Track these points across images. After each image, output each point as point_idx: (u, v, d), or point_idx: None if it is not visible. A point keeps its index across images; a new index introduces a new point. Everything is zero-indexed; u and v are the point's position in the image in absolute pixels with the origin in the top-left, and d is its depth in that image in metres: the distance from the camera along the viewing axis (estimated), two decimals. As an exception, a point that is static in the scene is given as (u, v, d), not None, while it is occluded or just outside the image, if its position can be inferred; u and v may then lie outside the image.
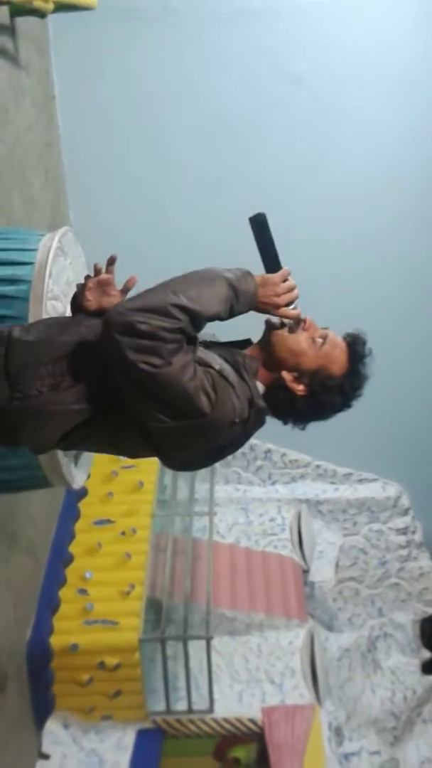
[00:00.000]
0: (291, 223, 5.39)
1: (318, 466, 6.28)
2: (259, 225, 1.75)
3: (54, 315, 2.76)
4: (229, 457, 6.15)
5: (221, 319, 1.62)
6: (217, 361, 1.65)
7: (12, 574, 4.18)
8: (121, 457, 5.36)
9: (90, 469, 3.25)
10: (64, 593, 4.73)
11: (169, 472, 5.61)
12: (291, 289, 1.71)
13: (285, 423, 1.83)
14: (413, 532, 6.26)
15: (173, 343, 1.51)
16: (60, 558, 4.90)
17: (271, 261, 1.74)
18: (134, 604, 4.62)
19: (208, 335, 1.78)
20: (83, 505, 5.27)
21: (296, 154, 5.51)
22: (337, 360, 1.76)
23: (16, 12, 4.28)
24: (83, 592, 4.73)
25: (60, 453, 2.62)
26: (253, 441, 6.26)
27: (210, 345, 1.75)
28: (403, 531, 6.25)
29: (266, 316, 1.78)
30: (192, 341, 1.60)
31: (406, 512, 6.30)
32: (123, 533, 5.04)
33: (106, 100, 5.39)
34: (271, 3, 5.06)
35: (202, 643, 4.53)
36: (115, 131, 5.49)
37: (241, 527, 5.85)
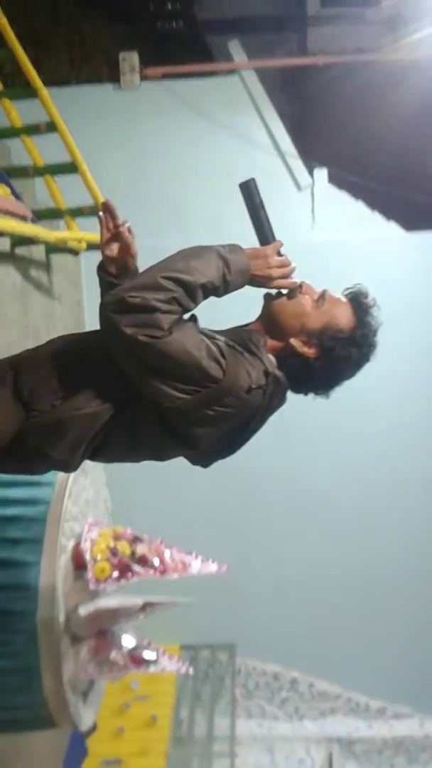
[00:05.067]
0: (307, 435, 5.48)
1: (349, 699, 5.81)
2: (250, 191, 1.70)
3: (71, 537, 2.71)
4: (252, 687, 5.84)
5: (216, 289, 1.59)
6: (222, 338, 1.63)
7: None
8: (134, 686, 5.09)
9: (99, 706, 2.99)
10: None
11: (184, 702, 5.20)
12: (284, 264, 1.68)
13: (307, 394, 1.76)
14: (458, 777, 5.63)
15: (170, 314, 1.50)
16: (64, 808, 4.37)
17: (263, 232, 1.69)
18: None
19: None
20: (91, 742, 4.82)
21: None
22: (342, 314, 1.70)
23: (52, 250, 4.73)
24: None
25: (68, 691, 2.42)
26: (277, 668, 5.90)
27: (213, 333, 1.69)
28: (446, 775, 5.62)
29: (264, 292, 1.74)
30: (192, 316, 1.61)
31: (448, 753, 5.72)
32: (134, 778, 4.55)
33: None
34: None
35: None
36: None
37: (265, 771, 5.30)
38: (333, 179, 5.88)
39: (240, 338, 1.65)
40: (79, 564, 2.66)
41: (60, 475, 2.75)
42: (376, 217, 5.87)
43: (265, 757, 5.50)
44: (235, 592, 5.10)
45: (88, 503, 2.91)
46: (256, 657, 5.78)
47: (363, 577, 5.63)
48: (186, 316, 1.61)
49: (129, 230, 1.74)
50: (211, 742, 5.02)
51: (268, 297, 1.74)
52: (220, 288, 1.60)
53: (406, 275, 5.66)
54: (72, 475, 2.73)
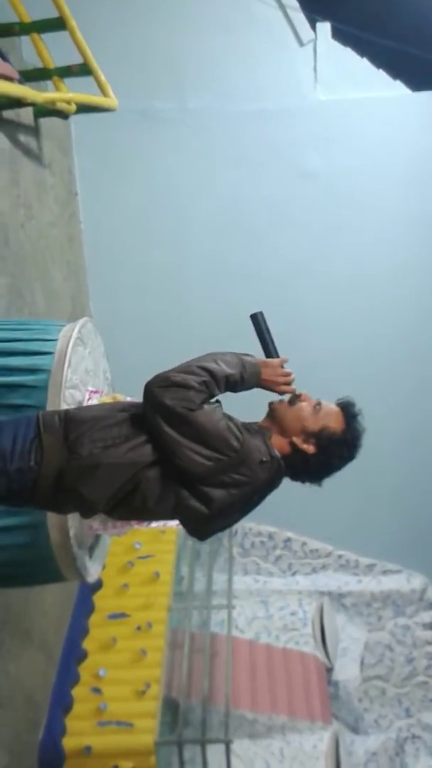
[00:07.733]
0: (303, 308, 5.48)
1: (340, 556, 6.11)
2: (258, 321, 2.16)
3: (72, 404, 2.76)
4: (248, 546, 6.15)
5: (235, 383, 2.00)
6: (239, 421, 2.01)
7: (24, 673, 4.02)
8: (137, 546, 5.35)
9: (105, 561, 3.16)
10: (77, 692, 4.53)
11: (185, 560, 5.48)
12: (287, 374, 2.09)
13: (303, 482, 2.12)
14: (440, 627, 6.02)
15: (201, 393, 1.92)
16: (73, 654, 4.72)
17: (269, 351, 2.14)
18: (150, 704, 4.41)
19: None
20: (98, 598, 5.12)
21: (310, 243, 5.64)
22: (335, 419, 2.08)
23: (40, 113, 4.51)
24: (97, 691, 4.53)
25: (75, 545, 2.56)
26: (272, 529, 6.18)
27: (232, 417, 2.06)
28: (430, 626, 6.00)
29: (269, 399, 2.10)
30: (216, 401, 1.99)
31: (432, 606, 6.08)
32: (139, 628, 4.86)
33: (126, 196, 5.58)
34: (284, 104, 5.29)
35: (221, 746, 4.29)
36: (134, 225, 5.66)
37: (260, 621, 5.65)
38: (337, 34, 5.53)
39: (252, 428, 2.03)
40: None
41: (59, 344, 2.77)
42: (381, 76, 5.58)
43: (260, 609, 5.78)
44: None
45: (87, 372, 2.94)
46: (252, 519, 6.03)
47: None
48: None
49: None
50: (210, 596, 5.24)
51: (272, 403, 2.12)
52: (238, 383, 2.00)
53: (411, 136, 5.45)
54: (71, 344, 2.75)
